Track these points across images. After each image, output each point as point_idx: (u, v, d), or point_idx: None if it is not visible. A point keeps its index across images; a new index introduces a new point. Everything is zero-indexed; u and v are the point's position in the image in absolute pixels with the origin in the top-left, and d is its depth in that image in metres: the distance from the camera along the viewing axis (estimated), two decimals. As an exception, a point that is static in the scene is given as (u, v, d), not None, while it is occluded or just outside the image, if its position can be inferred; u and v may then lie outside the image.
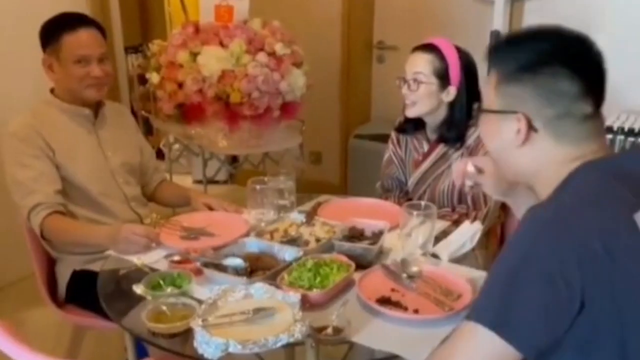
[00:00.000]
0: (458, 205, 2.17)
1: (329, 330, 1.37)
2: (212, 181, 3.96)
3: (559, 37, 1.14)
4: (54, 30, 2.01)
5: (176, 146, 3.71)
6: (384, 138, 3.69)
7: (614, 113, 3.09)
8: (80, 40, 2.01)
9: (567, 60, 1.10)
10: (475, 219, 2.09)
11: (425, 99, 2.08)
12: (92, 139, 2.13)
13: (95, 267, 1.96)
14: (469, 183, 1.55)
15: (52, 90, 2.12)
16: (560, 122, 1.11)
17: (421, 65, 2.08)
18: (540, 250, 0.99)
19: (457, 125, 2.11)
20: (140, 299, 1.53)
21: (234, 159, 4.16)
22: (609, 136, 2.96)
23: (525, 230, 1.04)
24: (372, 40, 4.16)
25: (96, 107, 2.15)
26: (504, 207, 2.28)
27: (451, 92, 2.09)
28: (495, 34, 3.36)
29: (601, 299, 0.97)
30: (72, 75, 2.02)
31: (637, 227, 1.00)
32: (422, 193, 2.25)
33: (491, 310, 1.01)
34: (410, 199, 2.27)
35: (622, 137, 2.94)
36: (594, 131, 1.13)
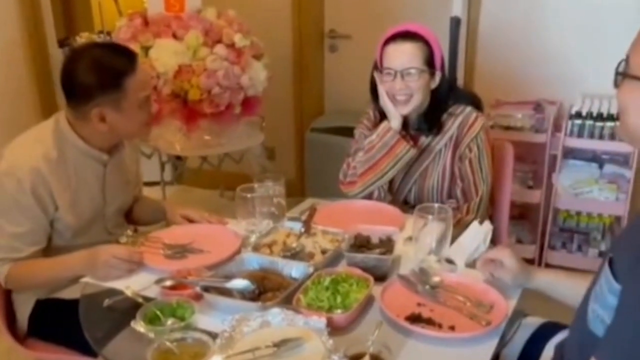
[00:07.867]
0: (447, 201, 2.07)
1: (367, 359, 1.22)
2: (155, 183, 3.72)
3: None
4: (112, 77, 1.65)
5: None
6: (340, 131, 3.62)
7: (578, 98, 3.06)
8: (141, 79, 1.71)
9: None
10: (467, 211, 2.02)
11: (420, 91, 1.96)
12: (98, 185, 1.83)
13: (63, 294, 1.75)
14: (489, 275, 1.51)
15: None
16: None
17: (412, 57, 1.94)
18: None
19: (436, 113, 2.02)
20: (121, 326, 1.35)
21: (177, 158, 3.90)
22: (578, 122, 2.93)
23: None
24: (323, 29, 3.98)
25: (112, 148, 1.85)
26: (491, 200, 2.21)
27: (437, 78, 2.01)
28: (455, 21, 3.27)
29: None
30: (136, 120, 1.73)
31: None
32: (408, 191, 2.14)
33: None
34: (393, 196, 2.16)
35: (590, 122, 2.91)
36: None
